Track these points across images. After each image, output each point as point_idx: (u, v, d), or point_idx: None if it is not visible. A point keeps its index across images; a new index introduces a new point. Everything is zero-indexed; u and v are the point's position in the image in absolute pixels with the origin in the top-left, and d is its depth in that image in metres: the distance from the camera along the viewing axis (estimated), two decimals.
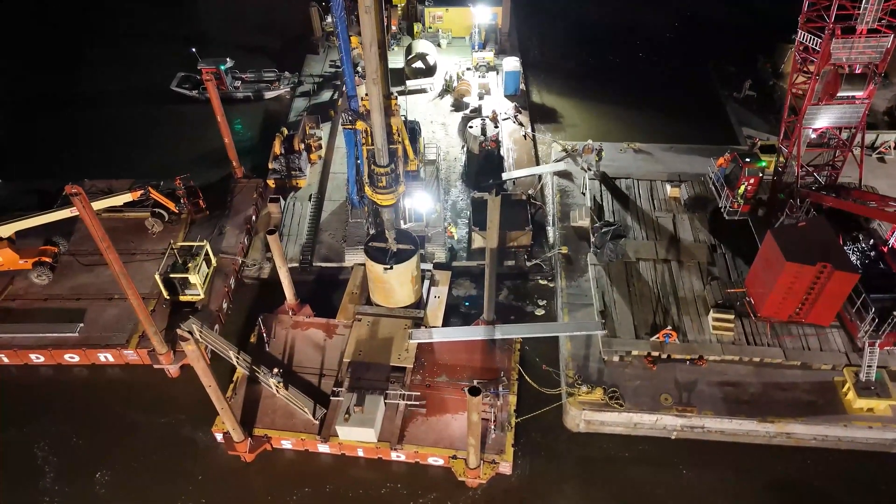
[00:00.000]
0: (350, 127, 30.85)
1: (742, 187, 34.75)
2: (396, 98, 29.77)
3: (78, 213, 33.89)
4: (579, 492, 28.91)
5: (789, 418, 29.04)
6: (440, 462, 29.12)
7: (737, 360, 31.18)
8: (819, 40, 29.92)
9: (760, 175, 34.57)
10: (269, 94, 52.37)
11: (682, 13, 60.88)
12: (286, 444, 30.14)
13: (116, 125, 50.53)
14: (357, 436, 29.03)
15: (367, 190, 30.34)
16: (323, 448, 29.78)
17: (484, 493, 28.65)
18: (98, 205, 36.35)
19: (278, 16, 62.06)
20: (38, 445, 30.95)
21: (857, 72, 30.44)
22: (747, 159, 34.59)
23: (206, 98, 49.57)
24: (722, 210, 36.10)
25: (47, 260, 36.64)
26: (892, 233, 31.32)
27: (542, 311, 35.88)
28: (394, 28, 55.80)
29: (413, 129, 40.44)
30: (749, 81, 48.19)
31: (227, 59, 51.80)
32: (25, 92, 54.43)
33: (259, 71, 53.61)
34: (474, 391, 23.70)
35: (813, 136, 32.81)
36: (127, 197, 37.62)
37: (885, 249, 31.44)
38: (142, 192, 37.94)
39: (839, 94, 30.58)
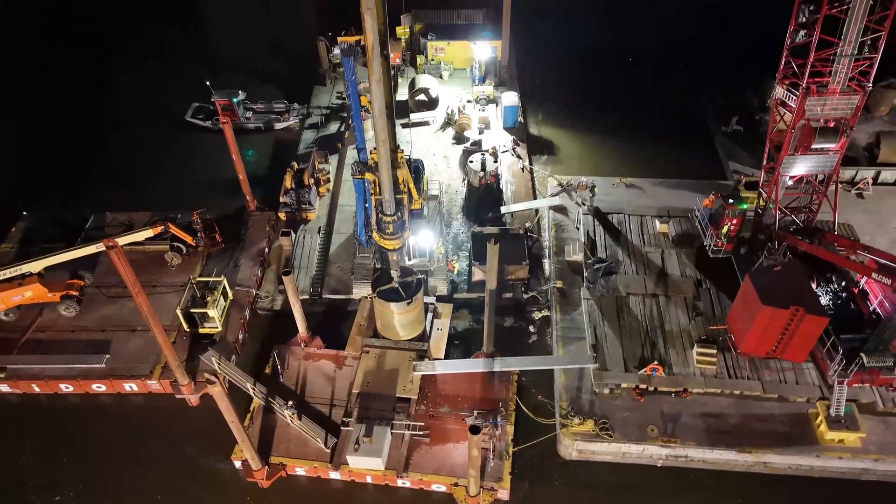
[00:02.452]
0: (359, 177, 33.23)
1: (725, 227, 37.06)
2: (402, 151, 32.13)
3: (102, 249, 36.98)
4: None
5: (766, 449, 31.39)
6: (443, 488, 31.49)
7: (718, 392, 33.52)
8: (794, 97, 32.26)
9: (742, 216, 36.86)
10: (279, 125, 54.78)
11: (679, 42, 63.16)
12: (300, 472, 32.48)
13: (132, 154, 53.02)
14: (366, 464, 31.39)
15: (375, 235, 32.71)
16: (334, 475, 32.15)
17: None
18: (121, 241, 38.67)
19: (286, 39, 65.32)
20: (61, 469, 33.43)
21: (830, 125, 32.75)
22: (730, 201, 36.84)
23: (219, 128, 52.16)
24: (707, 248, 38.40)
25: (74, 293, 38.98)
26: (862, 276, 33.58)
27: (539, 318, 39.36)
28: (397, 61, 58.17)
29: (417, 168, 42.87)
30: (736, 117, 50.50)
31: (240, 92, 54.22)
32: (44, 121, 56.88)
33: (269, 102, 56.06)
34: (474, 430, 26.06)
35: (790, 182, 35.15)
36: (148, 233, 39.92)
37: (856, 291, 33.80)
38: (162, 227, 40.30)
39: (813, 146, 32.90)
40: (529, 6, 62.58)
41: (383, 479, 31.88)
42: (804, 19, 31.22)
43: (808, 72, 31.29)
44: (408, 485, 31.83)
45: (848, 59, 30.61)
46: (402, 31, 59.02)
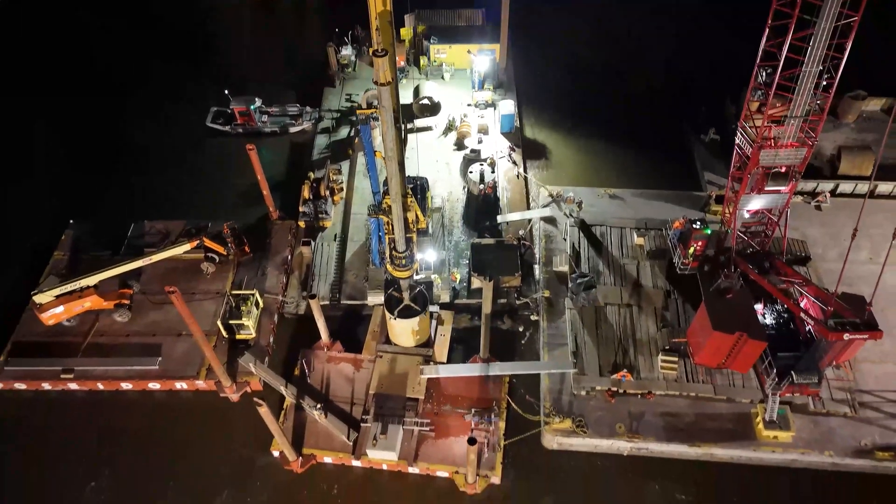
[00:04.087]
0: (375, 216, 38.43)
1: (692, 248, 42.55)
2: (412, 195, 37.10)
3: (149, 262, 42.96)
4: (555, 498, 38.11)
5: (711, 443, 38.04)
6: (446, 475, 38.30)
7: (677, 394, 39.90)
8: (751, 146, 37.13)
9: (706, 239, 42.27)
10: (293, 129, 59.20)
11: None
12: (327, 460, 39.23)
13: (161, 162, 57.68)
14: (382, 456, 38.11)
15: (389, 267, 38.25)
16: (356, 463, 38.91)
17: (479, 500, 37.96)
18: (164, 255, 44.40)
19: (298, 48, 69.16)
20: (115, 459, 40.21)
21: (781, 171, 37.76)
22: (696, 224, 42.12)
23: (238, 132, 56.87)
24: (675, 265, 44.01)
25: (126, 302, 44.87)
26: (802, 299, 39.29)
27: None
28: (401, 63, 61.94)
29: (423, 188, 47.92)
30: (713, 129, 55.00)
31: (256, 99, 58.43)
32: (77, 135, 60.92)
33: (283, 106, 60.18)
34: (472, 441, 32.53)
35: (747, 216, 40.41)
36: (186, 246, 45.38)
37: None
38: (197, 241, 45.75)
39: (766, 188, 38.04)
40: (526, 7, 65.63)
41: (397, 466, 38.64)
42: (761, 80, 35.82)
43: (762, 131, 36.01)
44: (417, 472, 38.61)
45: (797, 120, 35.39)
46: (406, 32, 62.55)
